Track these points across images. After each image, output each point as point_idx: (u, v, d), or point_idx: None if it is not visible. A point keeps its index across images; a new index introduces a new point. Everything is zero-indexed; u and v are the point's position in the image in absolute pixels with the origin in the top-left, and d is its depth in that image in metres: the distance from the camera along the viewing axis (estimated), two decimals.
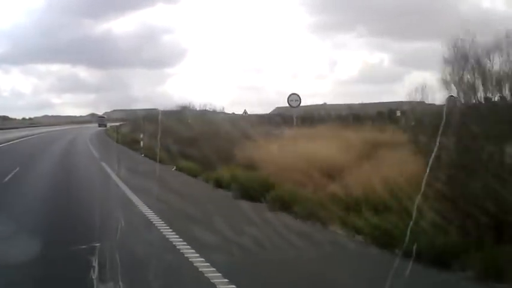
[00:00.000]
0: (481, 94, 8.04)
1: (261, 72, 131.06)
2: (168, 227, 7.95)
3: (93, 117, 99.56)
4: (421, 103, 11.97)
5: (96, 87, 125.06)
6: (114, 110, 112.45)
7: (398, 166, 8.60)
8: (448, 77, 8.56)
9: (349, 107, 39.54)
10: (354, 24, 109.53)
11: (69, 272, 5.67)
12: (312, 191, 9.76)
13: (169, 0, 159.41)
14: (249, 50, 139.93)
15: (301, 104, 21.01)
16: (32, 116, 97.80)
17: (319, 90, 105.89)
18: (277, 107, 58.80)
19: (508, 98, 7.84)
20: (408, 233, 4.08)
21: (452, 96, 8.22)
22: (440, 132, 4.55)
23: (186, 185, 13.86)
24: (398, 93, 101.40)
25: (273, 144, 14.43)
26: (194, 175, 15.54)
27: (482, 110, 7.81)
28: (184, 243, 6.90)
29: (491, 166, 6.28)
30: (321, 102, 59.28)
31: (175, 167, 17.39)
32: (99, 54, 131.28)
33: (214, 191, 12.71)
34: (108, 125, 67.47)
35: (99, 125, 67.29)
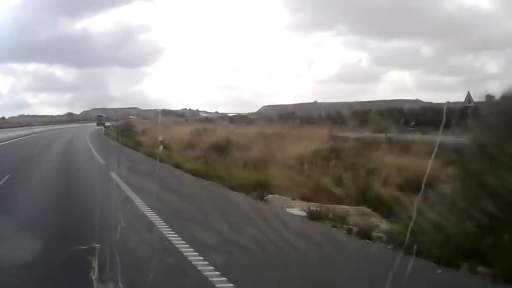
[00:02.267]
0: None
1: (237, 72, 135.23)
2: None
3: (70, 117, 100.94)
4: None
5: (73, 86, 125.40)
6: (93, 109, 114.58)
7: None
8: None
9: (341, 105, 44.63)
10: (335, 22, 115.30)
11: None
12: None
13: None
14: (227, 48, 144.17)
15: (292, 102, 29.30)
16: (6, 116, 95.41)
17: (296, 89, 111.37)
18: (264, 106, 65.05)
19: None
20: None
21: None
22: None
23: None
24: (375, 92, 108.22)
25: None
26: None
27: None
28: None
29: None
30: (311, 101, 63.76)
31: None
32: (76, 53, 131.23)
33: None
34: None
35: (98, 124, 64.84)
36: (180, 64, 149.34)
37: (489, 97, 8.86)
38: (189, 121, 53.22)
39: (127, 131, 36.58)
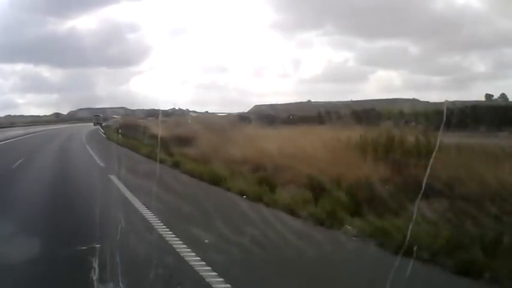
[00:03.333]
0: None
1: (225, 71, 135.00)
2: None
3: (57, 117, 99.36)
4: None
5: (60, 86, 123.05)
6: (80, 109, 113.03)
7: None
8: None
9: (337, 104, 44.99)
10: (322, 22, 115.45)
11: None
12: None
13: None
14: (215, 48, 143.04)
15: (285, 101, 26.86)
16: None
17: (282, 89, 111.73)
18: (256, 105, 64.47)
19: None
20: None
21: None
22: None
23: None
24: (364, 91, 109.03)
25: None
26: None
27: None
28: None
29: None
30: (305, 100, 63.41)
31: None
32: (63, 53, 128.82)
33: None
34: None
35: (95, 124, 62.58)
36: (167, 63, 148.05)
37: None
38: (190, 121, 52.31)
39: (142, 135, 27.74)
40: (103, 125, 55.62)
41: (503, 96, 28.84)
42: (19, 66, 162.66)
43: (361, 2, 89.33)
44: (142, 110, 75.18)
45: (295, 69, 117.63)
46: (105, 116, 63.34)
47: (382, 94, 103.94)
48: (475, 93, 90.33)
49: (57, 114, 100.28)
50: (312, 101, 55.70)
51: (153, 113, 63.18)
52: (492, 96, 49.54)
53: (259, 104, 61.27)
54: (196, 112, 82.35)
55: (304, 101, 57.83)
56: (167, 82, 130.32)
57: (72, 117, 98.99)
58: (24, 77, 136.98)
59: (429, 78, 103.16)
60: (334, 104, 44.12)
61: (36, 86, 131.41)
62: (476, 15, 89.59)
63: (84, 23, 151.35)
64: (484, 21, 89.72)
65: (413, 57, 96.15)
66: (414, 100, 47.20)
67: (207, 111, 47.79)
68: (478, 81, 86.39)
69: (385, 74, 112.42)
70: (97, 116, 68.42)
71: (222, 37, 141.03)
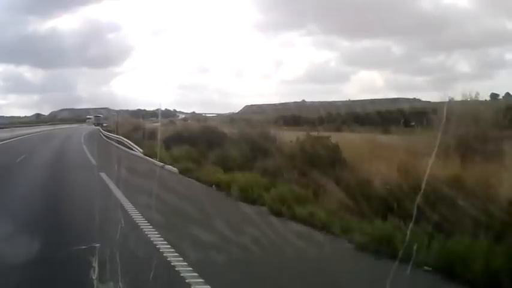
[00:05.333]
0: None
1: (207, 72, 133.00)
2: None
3: (38, 118, 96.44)
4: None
5: (41, 87, 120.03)
6: (62, 109, 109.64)
7: None
8: None
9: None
10: (305, 21, 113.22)
11: None
12: None
13: None
14: (198, 48, 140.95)
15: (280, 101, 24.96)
16: None
17: (266, 89, 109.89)
18: (247, 106, 62.55)
19: None
20: None
21: None
22: None
23: None
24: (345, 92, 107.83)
25: None
26: None
27: None
28: None
29: None
30: (299, 100, 61.61)
31: None
32: (44, 53, 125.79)
33: None
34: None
35: (95, 125, 61.22)
36: (150, 64, 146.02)
37: None
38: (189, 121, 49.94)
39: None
40: (104, 125, 53.64)
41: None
42: (0, 67, 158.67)
43: (346, 1, 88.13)
44: (127, 110, 72.59)
45: (285, 68, 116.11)
46: (106, 117, 60.95)
47: (364, 95, 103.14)
48: (459, 93, 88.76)
49: (38, 115, 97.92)
50: (306, 100, 54.00)
51: (140, 114, 60.71)
52: (498, 95, 48.26)
53: (249, 104, 59.26)
54: (183, 113, 79.28)
55: (298, 100, 56.30)
56: (149, 82, 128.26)
57: (54, 118, 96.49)
58: (5, 78, 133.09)
59: (412, 78, 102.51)
60: (333, 104, 42.61)
61: (17, 86, 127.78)
62: (461, 14, 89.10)
63: (66, 23, 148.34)
64: (470, 20, 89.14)
65: (397, 57, 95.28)
66: (416, 100, 45.63)
67: (194, 112, 45.55)
68: (462, 81, 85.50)
69: (370, 74, 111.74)
70: (97, 117, 66.10)
71: (205, 37, 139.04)
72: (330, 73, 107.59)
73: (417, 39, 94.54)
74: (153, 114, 62.91)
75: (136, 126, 36.97)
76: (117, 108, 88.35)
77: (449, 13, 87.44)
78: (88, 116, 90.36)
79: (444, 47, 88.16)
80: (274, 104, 53.26)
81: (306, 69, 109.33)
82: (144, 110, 66.78)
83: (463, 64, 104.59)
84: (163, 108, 76.44)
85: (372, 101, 41.86)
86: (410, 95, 65.16)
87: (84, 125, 75.22)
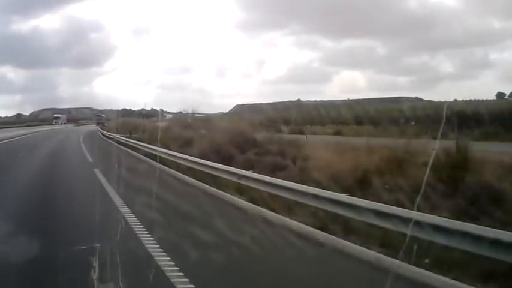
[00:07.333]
0: None
1: (191, 71, 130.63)
2: None
3: (18, 118, 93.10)
4: None
5: (23, 87, 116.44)
6: (44, 109, 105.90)
7: None
8: None
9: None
10: (287, 21, 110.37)
11: None
12: None
13: None
14: (183, 47, 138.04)
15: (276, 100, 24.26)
16: None
17: (247, 89, 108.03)
18: (238, 105, 60.07)
19: None
20: None
21: None
22: None
23: None
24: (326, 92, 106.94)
25: None
26: None
27: None
28: None
29: None
30: (294, 99, 59.34)
31: None
32: (26, 53, 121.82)
33: None
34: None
35: (97, 124, 59.57)
36: (133, 63, 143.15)
37: None
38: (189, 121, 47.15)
39: None
40: (105, 125, 51.98)
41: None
42: None
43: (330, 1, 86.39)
44: (111, 110, 69.71)
45: (258, 69, 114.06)
46: (107, 117, 58.64)
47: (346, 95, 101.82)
48: (443, 93, 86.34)
49: (19, 115, 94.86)
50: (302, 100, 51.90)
51: (127, 113, 57.92)
52: (504, 95, 46.41)
53: (241, 103, 57.02)
54: (171, 113, 76.25)
55: (293, 99, 54.58)
56: (133, 82, 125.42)
57: (35, 118, 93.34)
58: None
59: (395, 78, 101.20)
60: (334, 104, 40.53)
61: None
62: (446, 14, 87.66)
63: (48, 22, 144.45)
64: (455, 20, 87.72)
65: (381, 57, 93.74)
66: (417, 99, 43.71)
67: (180, 112, 42.94)
68: (446, 81, 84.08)
69: (353, 73, 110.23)
70: (99, 117, 63.94)
71: (187, 37, 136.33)
72: (314, 73, 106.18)
73: (401, 39, 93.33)
74: (140, 113, 59.94)
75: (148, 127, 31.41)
76: (101, 108, 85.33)
77: (434, 13, 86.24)
78: (55, 115, 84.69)
79: (428, 46, 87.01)
80: (266, 104, 50.98)
81: (287, 69, 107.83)
82: (130, 109, 64.30)
83: (447, 64, 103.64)
84: (148, 108, 73.80)
85: (357, 101, 40.20)
86: (393, 95, 63.65)
87: (69, 126, 71.80)
